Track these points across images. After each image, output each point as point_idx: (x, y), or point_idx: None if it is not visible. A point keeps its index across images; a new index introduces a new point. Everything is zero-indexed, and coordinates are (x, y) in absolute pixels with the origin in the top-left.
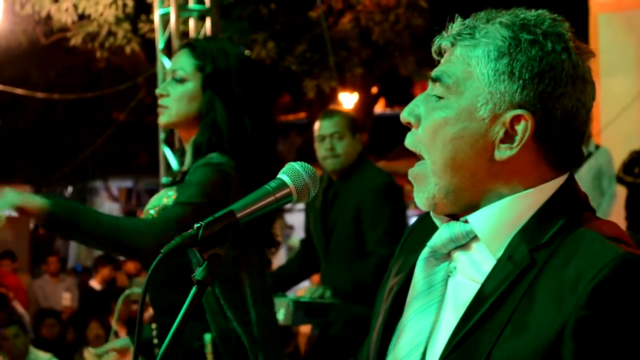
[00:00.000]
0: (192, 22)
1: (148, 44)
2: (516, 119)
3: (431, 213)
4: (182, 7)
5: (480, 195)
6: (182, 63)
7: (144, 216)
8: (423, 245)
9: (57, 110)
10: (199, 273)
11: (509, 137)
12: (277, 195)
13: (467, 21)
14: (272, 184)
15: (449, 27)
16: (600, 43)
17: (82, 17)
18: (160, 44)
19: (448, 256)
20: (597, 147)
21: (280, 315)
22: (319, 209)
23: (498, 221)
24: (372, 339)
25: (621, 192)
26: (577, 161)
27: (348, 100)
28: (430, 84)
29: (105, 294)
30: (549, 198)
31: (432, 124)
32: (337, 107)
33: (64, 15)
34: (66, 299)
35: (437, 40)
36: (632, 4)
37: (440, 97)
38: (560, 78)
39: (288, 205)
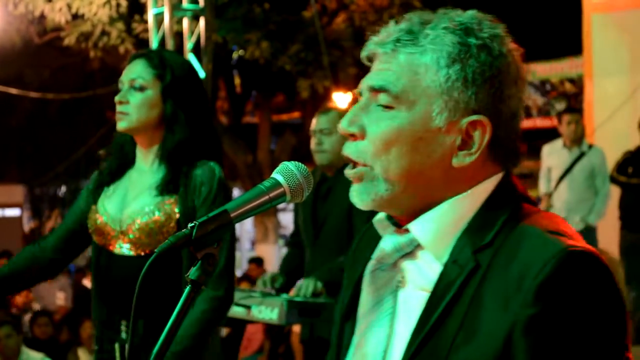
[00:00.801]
0: (185, 22)
1: (142, 44)
2: (472, 125)
3: (374, 224)
4: (175, 7)
5: (432, 201)
6: (140, 72)
7: (112, 224)
8: (369, 257)
9: (51, 110)
10: (193, 272)
11: (465, 143)
12: (271, 194)
13: (402, 25)
14: (266, 183)
15: (381, 31)
16: (594, 43)
17: (76, 16)
18: (154, 44)
19: (395, 266)
20: (591, 146)
21: (274, 314)
22: (310, 203)
23: (439, 226)
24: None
25: (615, 191)
26: (516, 159)
27: (342, 99)
28: (366, 93)
29: None
30: (488, 196)
31: (383, 135)
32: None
33: (57, 14)
34: (60, 298)
35: (371, 46)
36: (625, 4)
37: (387, 107)
38: (507, 81)
39: (282, 205)
